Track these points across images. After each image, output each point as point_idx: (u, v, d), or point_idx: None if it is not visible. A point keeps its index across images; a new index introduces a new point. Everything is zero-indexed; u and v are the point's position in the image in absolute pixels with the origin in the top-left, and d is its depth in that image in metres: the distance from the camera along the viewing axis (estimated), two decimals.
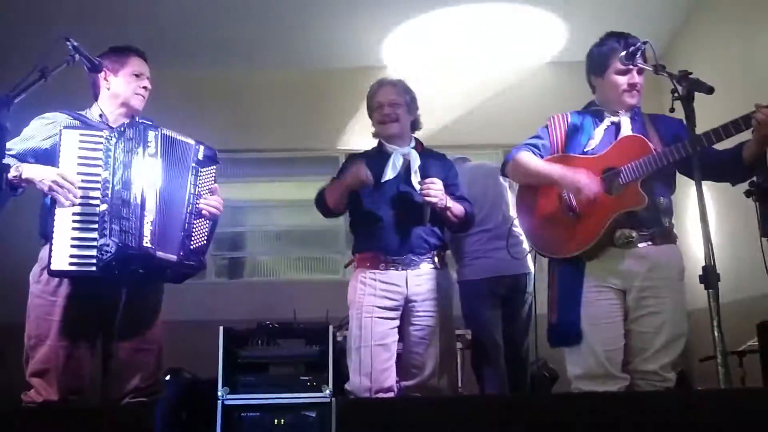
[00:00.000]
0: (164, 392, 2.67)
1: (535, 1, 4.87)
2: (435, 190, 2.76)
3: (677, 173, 2.54)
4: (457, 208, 2.88)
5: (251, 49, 5.29)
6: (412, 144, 3.01)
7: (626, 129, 2.52)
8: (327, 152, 5.75)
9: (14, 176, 2.32)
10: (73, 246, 2.36)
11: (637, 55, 2.40)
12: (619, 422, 1.40)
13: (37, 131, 2.49)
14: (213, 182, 2.66)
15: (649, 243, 2.43)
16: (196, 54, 5.36)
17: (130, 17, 4.86)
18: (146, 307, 2.59)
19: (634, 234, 2.41)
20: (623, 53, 2.44)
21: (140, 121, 2.54)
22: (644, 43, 2.35)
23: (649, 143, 2.41)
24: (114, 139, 2.44)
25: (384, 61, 5.34)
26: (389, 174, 2.91)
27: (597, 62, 2.56)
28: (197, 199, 2.58)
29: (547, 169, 2.54)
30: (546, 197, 2.56)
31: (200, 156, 2.63)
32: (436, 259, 2.90)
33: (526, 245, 3.11)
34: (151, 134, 2.48)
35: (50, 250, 2.35)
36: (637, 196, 2.37)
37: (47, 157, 2.43)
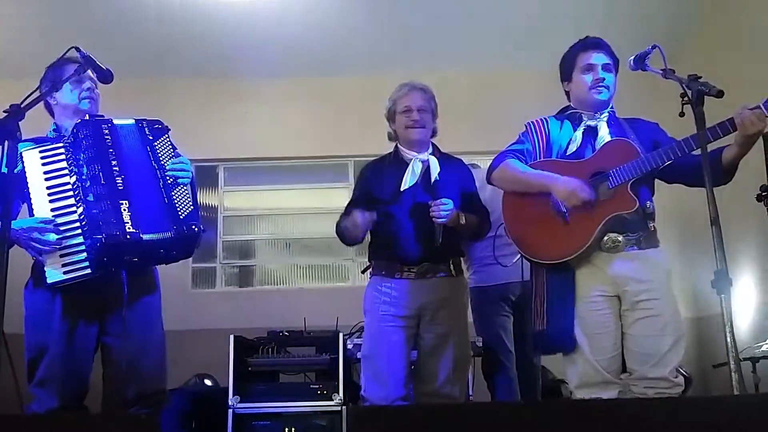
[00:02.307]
0: (169, 401, 2.64)
1: (546, 7, 4.87)
2: (445, 211, 2.73)
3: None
4: (470, 220, 2.84)
5: (260, 57, 5.31)
6: (430, 150, 2.98)
7: (603, 132, 2.53)
8: (337, 160, 5.76)
9: None
10: (62, 255, 2.39)
11: (645, 60, 2.39)
12: (630, 428, 1.39)
13: None
14: (173, 149, 2.62)
15: (635, 247, 2.43)
16: (205, 62, 5.39)
17: (141, 26, 4.90)
18: (145, 314, 2.57)
19: (620, 238, 2.41)
20: (591, 52, 2.51)
21: (89, 118, 2.56)
22: (653, 47, 2.34)
23: (635, 147, 2.40)
24: (73, 143, 2.49)
25: (396, 69, 5.34)
26: (408, 181, 2.88)
27: (564, 68, 2.62)
28: (164, 171, 2.53)
29: (538, 176, 2.52)
30: (534, 202, 2.53)
31: (147, 132, 2.61)
32: (451, 267, 2.89)
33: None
34: (103, 126, 2.52)
35: (42, 266, 2.38)
36: (627, 199, 2.36)
37: (19, 186, 2.44)
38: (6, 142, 2.08)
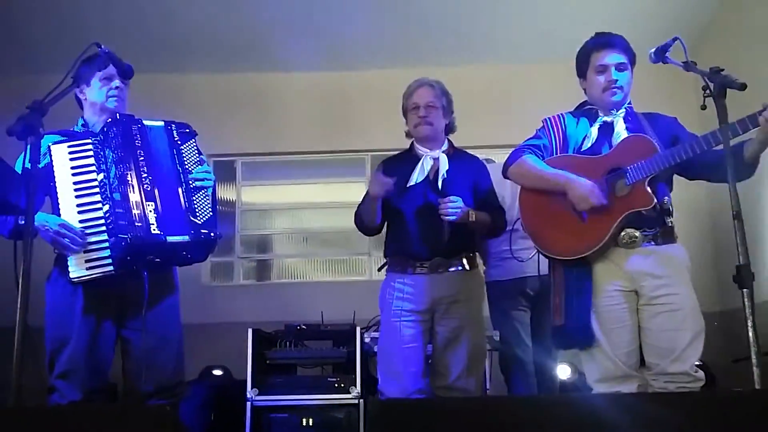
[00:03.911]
0: (188, 392, 2.68)
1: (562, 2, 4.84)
2: (453, 209, 2.73)
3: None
4: (481, 218, 2.84)
5: (278, 51, 5.32)
6: (445, 147, 2.98)
7: (620, 128, 2.52)
8: (354, 154, 5.76)
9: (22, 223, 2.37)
10: (86, 251, 2.43)
11: (667, 52, 2.37)
12: (652, 423, 1.38)
13: None
14: (198, 154, 2.69)
15: (653, 243, 2.42)
16: (222, 57, 5.41)
17: (160, 22, 4.93)
18: (164, 312, 2.61)
19: (638, 234, 2.40)
20: (604, 52, 2.50)
21: (120, 117, 2.60)
22: (674, 39, 2.32)
23: (654, 143, 2.39)
24: (102, 141, 2.52)
25: (410, 63, 5.32)
26: (416, 177, 2.90)
27: (579, 64, 2.60)
28: (188, 176, 2.60)
29: (553, 175, 2.51)
30: (551, 198, 2.52)
31: (176, 135, 2.66)
32: (464, 261, 2.89)
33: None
34: (133, 127, 2.56)
35: (66, 261, 2.42)
36: (644, 196, 2.36)
37: (45, 180, 2.46)
38: (29, 138, 2.11)
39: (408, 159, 2.97)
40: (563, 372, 4.22)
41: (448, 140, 3.02)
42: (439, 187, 2.88)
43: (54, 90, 2.27)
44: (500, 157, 3.18)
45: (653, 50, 2.38)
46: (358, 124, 5.53)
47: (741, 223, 2.01)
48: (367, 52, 5.36)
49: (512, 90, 5.46)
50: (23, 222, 2.10)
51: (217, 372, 4.41)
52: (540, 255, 2.64)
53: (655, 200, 2.35)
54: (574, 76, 2.65)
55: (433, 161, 2.93)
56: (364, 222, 2.97)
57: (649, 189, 2.36)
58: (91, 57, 2.54)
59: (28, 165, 2.11)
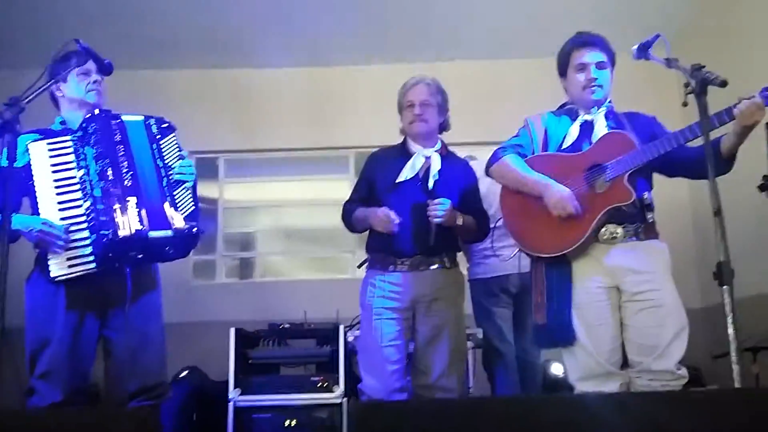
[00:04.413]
0: (171, 393, 2.65)
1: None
2: (442, 211, 2.73)
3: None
4: (467, 222, 2.85)
5: (261, 47, 5.28)
6: (438, 146, 2.98)
7: (600, 126, 2.53)
8: (337, 151, 5.74)
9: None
10: (68, 249, 2.40)
11: (649, 49, 2.38)
12: (635, 423, 1.39)
13: None
14: (178, 149, 2.67)
15: (634, 238, 2.43)
16: (204, 53, 5.36)
17: (141, 18, 4.87)
18: (146, 310, 2.58)
19: (619, 230, 2.42)
20: (584, 51, 2.52)
21: (98, 112, 2.57)
22: (656, 36, 2.33)
23: (633, 139, 2.41)
24: (81, 137, 2.50)
25: (397, 59, 5.31)
26: (407, 174, 2.89)
27: (559, 64, 2.62)
28: (169, 170, 2.58)
29: (532, 180, 2.52)
30: (532, 196, 2.53)
31: (155, 130, 2.64)
32: (446, 260, 2.89)
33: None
34: (112, 122, 2.53)
35: (47, 259, 2.39)
36: (624, 191, 2.37)
37: (24, 179, 2.44)
38: (5, 136, 2.08)
39: (399, 154, 2.97)
40: (557, 369, 4.25)
41: (442, 141, 3.02)
42: (430, 187, 2.87)
43: (32, 87, 2.23)
44: (482, 154, 3.18)
45: (636, 47, 2.39)
46: (342, 121, 5.51)
47: (721, 220, 2.02)
48: (349, 48, 5.33)
49: (494, 86, 5.46)
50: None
51: (185, 374, 4.32)
52: (521, 253, 2.64)
53: (635, 195, 2.37)
54: (556, 73, 2.66)
55: (424, 159, 2.93)
56: (355, 228, 2.97)
57: (628, 184, 2.37)
58: (70, 53, 2.50)
59: (5, 163, 2.08)
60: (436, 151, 2.95)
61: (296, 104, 5.59)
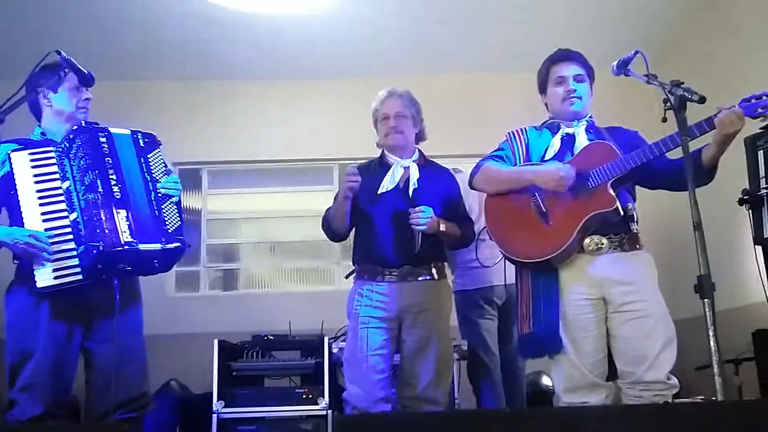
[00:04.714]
0: (153, 406, 2.64)
1: (533, 12, 4.88)
2: (424, 218, 2.75)
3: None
4: (450, 229, 2.87)
5: (243, 59, 5.29)
6: (415, 156, 3.00)
7: (582, 139, 2.57)
8: (321, 163, 5.74)
9: None
10: (54, 260, 2.38)
11: (628, 65, 2.41)
12: None
13: None
14: (164, 164, 2.68)
15: (618, 249, 2.45)
16: (187, 65, 5.35)
17: (124, 29, 4.86)
18: (129, 322, 2.57)
19: (604, 241, 2.43)
20: (561, 65, 2.59)
21: (85, 124, 2.56)
22: (636, 52, 2.36)
23: (615, 149, 2.44)
24: (67, 149, 2.49)
25: (379, 72, 5.33)
26: (387, 185, 2.90)
27: (540, 81, 2.69)
28: (156, 184, 2.59)
29: (519, 171, 2.57)
30: (515, 203, 2.56)
31: (141, 143, 2.64)
32: (434, 270, 2.89)
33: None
34: (100, 135, 2.53)
35: (27, 272, 2.37)
36: (607, 198, 2.39)
37: (3, 189, 2.43)
38: None
39: (379, 167, 2.99)
40: (547, 381, 4.27)
41: (419, 151, 3.04)
42: (410, 195, 2.88)
43: (11, 98, 2.22)
44: (467, 166, 3.19)
45: (615, 63, 2.42)
46: (326, 133, 5.51)
47: (701, 233, 2.04)
48: (334, 60, 5.35)
49: (480, 99, 5.50)
50: None
51: (174, 385, 4.30)
52: (506, 263, 2.65)
53: (618, 203, 2.38)
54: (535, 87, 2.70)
55: (403, 170, 2.95)
56: (332, 226, 2.97)
57: (612, 191, 2.39)
58: (51, 64, 2.49)
59: None
60: (413, 161, 2.97)
61: (279, 116, 5.59)
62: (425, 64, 5.38)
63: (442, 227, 2.81)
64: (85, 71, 2.48)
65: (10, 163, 2.43)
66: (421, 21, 5.00)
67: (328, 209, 3.01)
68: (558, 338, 2.41)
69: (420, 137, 3.03)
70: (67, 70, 2.46)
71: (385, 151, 3.01)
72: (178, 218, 2.59)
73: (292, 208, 5.74)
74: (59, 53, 2.38)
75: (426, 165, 3.01)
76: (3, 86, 2.21)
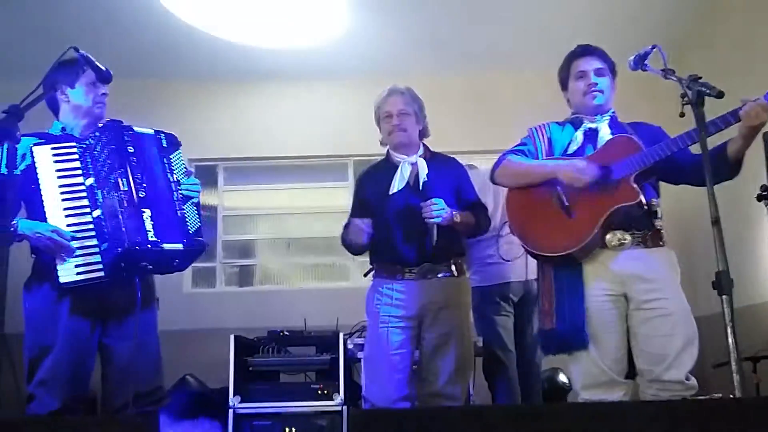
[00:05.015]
0: (168, 399, 2.66)
1: (543, 10, 4.85)
2: (436, 211, 2.74)
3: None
4: (465, 218, 2.85)
5: (259, 57, 5.30)
6: (420, 152, 2.99)
7: (605, 133, 2.54)
8: (337, 160, 5.75)
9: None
10: (76, 256, 2.40)
11: (646, 60, 2.39)
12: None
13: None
14: (184, 166, 2.69)
15: (641, 245, 2.42)
16: (204, 62, 5.38)
17: (139, 27, 4.89)
18: (146, 319, 2.59)
19: (627, 236, 2.41)
20: (582, 59, 2.57)
21: (110, 122, 2.57)
22: (653, 47, 2.34)
23: (638, 142, 2.42)
24: (92, 146, 2.50)
25: (393, 69, 5.32)
26: (398, 184, 2.90)
27: (561, 77, 2.67)
28: (178, 185, 2.61)
29: (541, 164, 2.55)
30: (537, 197, 2.54)
31: (164, 144, 2.65)
32: (453, 267, 2.88)
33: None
34: (125, 133, 2.54)
35: (46, 267, 2.40)
36: (630, 191, 2.36)
37: (24, 182, 2.43)
38: (5, 143, 2.08)
39: (386, 167, 2.98)
40: (564, 378, 4.25)
41: (424, 144, 3.03)
42: (421, 190, 2.88)
43: (31, 94, 2.23)
44: (481, 162, 3.19)
45: (632, 58, 2.40)
46: (341, 129, 5.51)
47: (720, 229, 2.01)
48: (350, 58, 5.34)
49: (498, 96, 5.48)
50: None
51: (190, 380, 4.32)
52: (527, 258, 2.63)
53: (641, 196, 2.35)
54: (553, 85, 2.69)
55: (411, 166, 2.94)
56: (354, 250, 2.97)
57: (635, 185, 2.37)
58: (69, 61, 2.50)
59: (4, 170, 2.08)
60: (420, 156, 2.96)
61: (295, 113, 5.60)
62: (440, 63, 5.36)
63: (457, 218, 2.80)
64: (103, 68, 2.49)
65: (32, 157, 2.44)
66: (436, 20, 4.98)
67: (345, 236, 2.95)
68: (583, 334, 2.37)
69: (423, 134, 3.02)
70: (85, 67, 2.48)
71: (390, 150, 3.01)
72: (198, 219, 2.62)
73: (308, 204, 5.75)
74: (77, 50, 2.39)
75: (432, 158, 3.00)
76: (19, 85, 2.22)
